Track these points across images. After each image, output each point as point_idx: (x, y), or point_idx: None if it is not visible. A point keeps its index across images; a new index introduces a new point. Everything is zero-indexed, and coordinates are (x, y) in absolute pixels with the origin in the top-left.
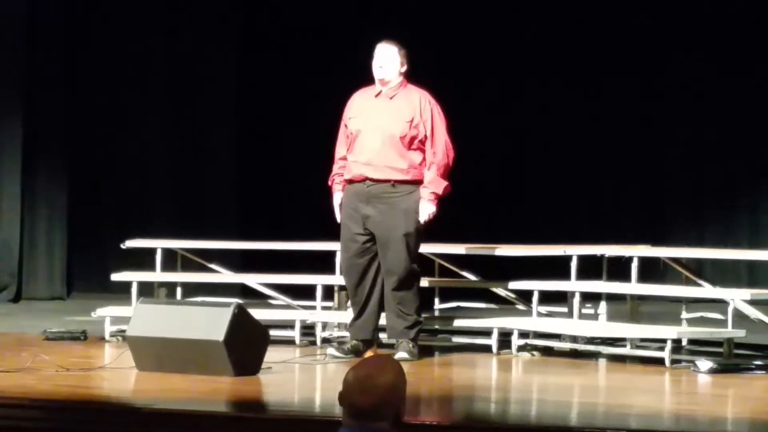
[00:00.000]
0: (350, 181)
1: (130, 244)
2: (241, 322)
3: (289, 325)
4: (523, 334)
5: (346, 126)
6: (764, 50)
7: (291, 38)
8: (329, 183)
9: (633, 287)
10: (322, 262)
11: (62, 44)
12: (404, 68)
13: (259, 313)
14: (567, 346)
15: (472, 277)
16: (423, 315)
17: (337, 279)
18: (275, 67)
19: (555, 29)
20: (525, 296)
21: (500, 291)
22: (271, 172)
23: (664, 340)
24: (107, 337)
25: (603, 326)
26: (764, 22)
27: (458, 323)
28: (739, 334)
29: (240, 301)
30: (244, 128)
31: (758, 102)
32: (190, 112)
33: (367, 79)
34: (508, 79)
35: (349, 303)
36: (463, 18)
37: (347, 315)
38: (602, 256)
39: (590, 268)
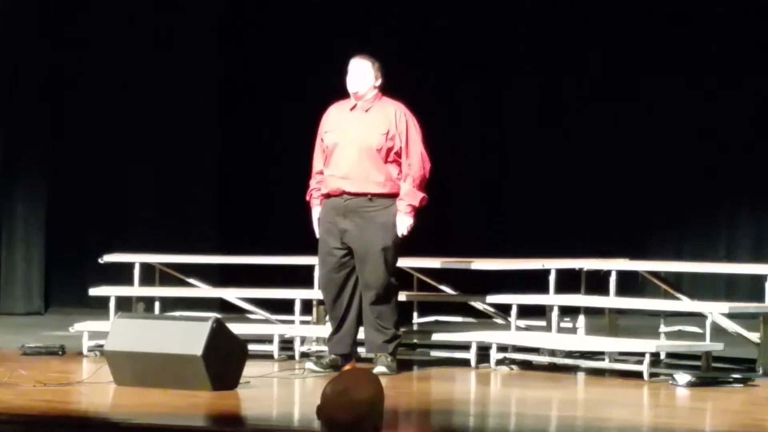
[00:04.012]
0: (327, 195)
1: (108, 258)
2: (219, 337)
3: (267, 339)
4: (502, 348)
5: (322, 140)
6: (739, 72)
7: (271, 53)
8: (307, 198)
9: (611, 301)
10: (301, 277)
11: (42, 62)
12: (378, 82)
13: (237, 328)
14: (545, 359)
15: (450, 291)
16: (401, 329)
17: (315, 293)
18: (256, 82)
19: (535, 44)
20: (503, 310)
21: (479, 305)
22: (250, 186)
23: (642, 354)
24: (85, 351)
25: (581, 340)
26: (740, 45)
27: (437, 337)
28: (717, 347)
29: (218, 315)
30: (224, 142)
31: (735, 119)
32: (170, 125)
33: (343, 93)
34: (486, 93)
35: (327, 317)
36: (443, 31)
37: (326, 329)
38: (580, 269)
39: (569, 281)
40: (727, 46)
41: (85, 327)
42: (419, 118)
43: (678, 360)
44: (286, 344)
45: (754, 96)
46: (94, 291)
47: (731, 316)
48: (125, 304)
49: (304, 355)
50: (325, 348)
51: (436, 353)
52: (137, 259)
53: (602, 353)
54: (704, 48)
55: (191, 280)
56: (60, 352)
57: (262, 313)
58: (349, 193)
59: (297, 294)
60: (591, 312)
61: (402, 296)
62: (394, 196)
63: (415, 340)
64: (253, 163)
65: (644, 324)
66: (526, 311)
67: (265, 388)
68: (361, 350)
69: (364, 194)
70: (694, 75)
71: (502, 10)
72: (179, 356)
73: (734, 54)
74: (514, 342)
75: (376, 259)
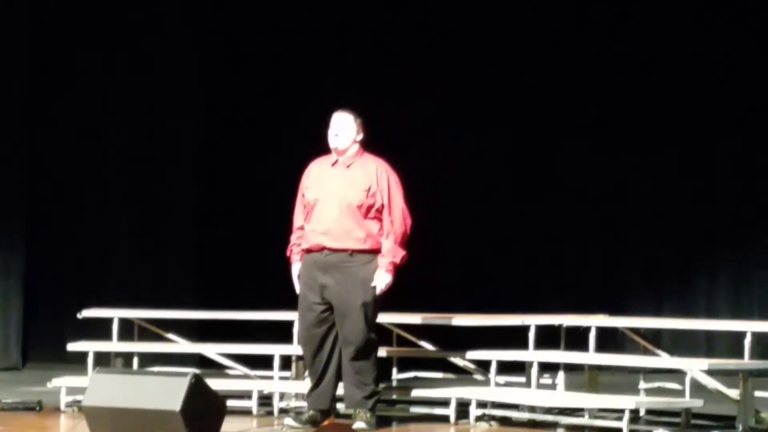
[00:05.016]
0: (308, 251)
1: (87, 313)
2: (197, 392)
3: (246, 395)
4: (481, 404)
5: (303, 195)
6: (713, 132)
7: (252, 103)
8: (287, 253)
9: (591, 357)
10: (280, 332)
11: (20, 107)
12: (360, 136)
13: (216, 383)
14: (525, 416)
15: (429, 346)
16: (381, 385)
17: (294, 349)
18: (237, 135)
19: (513, 101)
20: (483, 366)
21: (458, 361)
22: (229, 241)
23: (622, 411)
24: (63, 407)
25: (561, 396)
26: (719, 96)
27: (416, 393)
28: (697, 404)
29: (197, 370)
30: (203, 196)
31: (713, 175)
32: (151, 179)
33: (323, 146)
34: (466, 147)
35: (306, 373)
36: (424, 82)
37: (305, 385)
38: (560, 325)
39: (548, 337)
40: (699, 105)
41: (63, 382)
42: (398, 174)
43: (658, 417)
44: (265, 400)
45: (728, 154)
46: (72, 346)
47: (711, 372)
48: (104, 360)
49: (283, 411)
50: (304, 404)
51: (415, 409)
52: (116, 314)
53: (582, 410)
54: (679, 106)
55: (170, 335)
56: (37, 408)
57: (240, 369)
58: (330, 249)
59: (276, 349)
60: (570, 368)
61: (382, 352)
62: (374, 252)
63: (394, 396)
64: (233, 216)
65: (624, 380)
66: (505, 367)
67: None
68: (340, 406)
69: (345, 250)
70: (669, 132)
71: (485, 65)
72: (158, 412)
73: (708, 115)
74: (494, 398)
75: (356, 315)
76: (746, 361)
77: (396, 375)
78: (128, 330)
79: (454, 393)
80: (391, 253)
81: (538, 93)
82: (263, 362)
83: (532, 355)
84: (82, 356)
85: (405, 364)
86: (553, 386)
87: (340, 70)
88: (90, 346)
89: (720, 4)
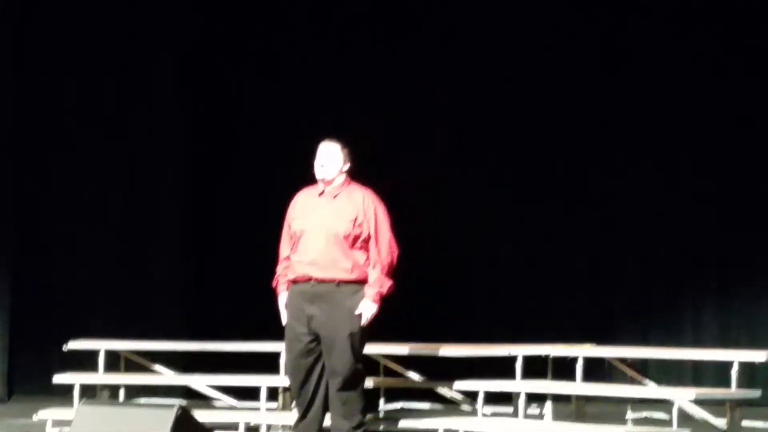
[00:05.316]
0: (295, 281)
1: (73, 345)
2: (184, 424)
3: (233, 426)
4: None
5: (289, 226)
6: (700, 159)
7: (241, 133)
8: (273, 284)
9: (578, 387)
10: (267, 363)
11: (4, 141)
12: (346, 166)
13: (202, 415)
14: None
15: (416, 377)
16: (368, 416)
17: (281, 380)
18: (223, 166)
19: (498, 134)
20: (470, 396)
21: (445, 391)
22: (215, 272)
23: None
24: None
25: (548, 426)
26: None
27: (403, 424)
28: None
29: (183, 402)
30: (190, 228)
31: (698, 204)
32: (138, 211)
33: (310, 179)
34: (451, 176)
35: (293, 403)
36: (408, 113)
37: (292, 416)
38: (547, 355)
39: (535, 367)
40: (693, 138)
41: (48, 415)
42: (385, 203)
43: None
44: (252, 431)
45: (715, 182)
46: (58, 378)
47: (698, 402)
48: (90, 391)
49: None
50: None
51: None
52: (102, 345)
53: None
54: (666, 135)
55: (156, 367)
56: None
57: (227, 400)
58: (317, 279)
59: (263, 380)
60: (558, 398)
61: (369, 382)
62: (361, 282)
63: (381, 427)
64: (219, 248)
65: (611, 410)
66: (492, 397)
67: None
68: None
69: (332, 280)
70: (657, 160)
71: (472, 96)
72: None
73: (695, 142)
74: (481, 429)
75: (343, 346)
76: (733, 391)
77: (383, 406)
78: (114, 362)
79: (442, 424)
80: (378, 283)
81: (522, 121)
82: (250, 393)
83: (519, 385)
84: (68, 388)
85: (392, 395)
86: (540, 416)
87: (334, 96)
88: (76, 378)
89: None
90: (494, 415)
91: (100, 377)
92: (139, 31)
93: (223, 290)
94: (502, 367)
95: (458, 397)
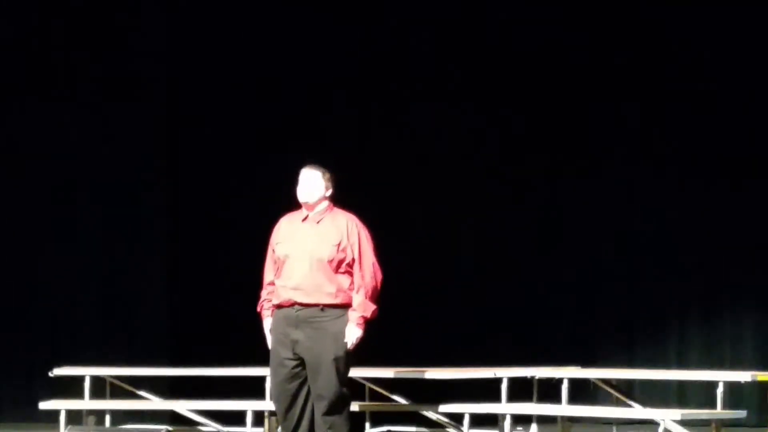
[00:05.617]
0: (279, 306)
1: (58, 372)
2: None
3: None
4: None
5: (273, 251)
6: (691, 180)
7: (221, 158)
8: (258, 309)
9: (563, 409)
10: (252, 388)
11: None
12: (329, 192)
13: None
14: None
15: (402, 400)
16: None
17: (267, 404)
18: (204, 192)
19: (472, 152)
20: (456, 419)
21: (431, 414)
22: (200, 297)
23: None
24: None
25: None
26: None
27: None
28: None
29: (169, 427)
30: (173, 253)
31: (685, 226)
32: (120, 238)
33: (294, 203)
34: (432, 198)
35: (279, 428)
36: (391, 136)
37: None
38: (532, 377)
39: (521, 390)
40: (686, 155)
41: None
42: (368, 228)
43: None
44: None
45: (701, 204)
46: (44, 405)
47: (683, 423)
48: (76, 418)
49: None
50: None
51: None
52: (87, 372)
53: None
54: (666, 145)
55: (142, 393)
56: None
57: (213, 425)
58: (301, 304)
59: (248, 405)
60: (543, 420)
61: (354, 406)
62: (345, 306)
63: None
64: (203, 273)
65: (597, 431)
66: (478, 420)
67: None
68: None
69: (316, 305)
70: (649, 177)
71: (463, 122)
72: None
73: (687, 163)
74: None
75: (328, 370)
76: (718, 411)
77: (369, 429)
78: (100, 388)
79: None
80: (362, 308)
81: (504, 140)
82: (236, 418)
83: (504, 407)
84: (54, 415)
85: (378, 419)
86: None
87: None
88: (62, 405)
89: None
90: None
91: (86, 403)
92: None
93: (208, 315)
94: (487, 390)
95: (444, 419)
